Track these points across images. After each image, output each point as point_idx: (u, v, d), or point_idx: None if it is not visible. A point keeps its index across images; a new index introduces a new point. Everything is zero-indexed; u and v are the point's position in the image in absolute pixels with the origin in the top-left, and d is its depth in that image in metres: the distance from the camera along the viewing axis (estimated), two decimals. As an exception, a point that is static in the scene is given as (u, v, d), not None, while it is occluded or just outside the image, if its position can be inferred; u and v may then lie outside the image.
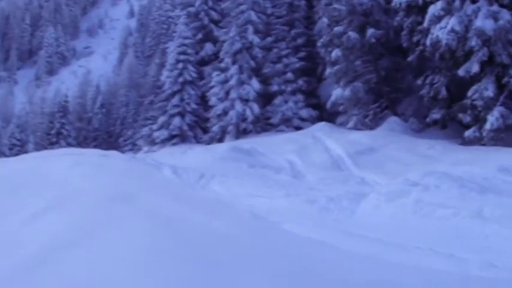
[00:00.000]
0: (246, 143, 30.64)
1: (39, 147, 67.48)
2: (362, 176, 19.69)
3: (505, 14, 22.47)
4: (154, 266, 4.87)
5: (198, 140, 45.30)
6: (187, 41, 47.34)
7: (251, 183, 18.40)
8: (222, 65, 42.85)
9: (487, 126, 22.61)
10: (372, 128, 29.63)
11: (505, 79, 23.01)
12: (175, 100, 46.31)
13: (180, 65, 46.61)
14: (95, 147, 62.43)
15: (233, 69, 41.55)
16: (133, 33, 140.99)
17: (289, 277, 5.03)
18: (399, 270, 6.69)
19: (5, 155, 61.27)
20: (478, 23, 22.49)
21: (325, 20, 34.03)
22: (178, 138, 45.53)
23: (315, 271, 5.43)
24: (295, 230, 9.84)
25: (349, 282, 5.34)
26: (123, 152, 48.71)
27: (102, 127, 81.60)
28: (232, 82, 41.17)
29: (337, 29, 31.52)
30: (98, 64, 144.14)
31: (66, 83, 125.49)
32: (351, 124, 31.27)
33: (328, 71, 33.85)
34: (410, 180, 14.22)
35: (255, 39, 41.88)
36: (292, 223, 11.08)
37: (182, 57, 46.89)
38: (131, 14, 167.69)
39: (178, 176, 20.26)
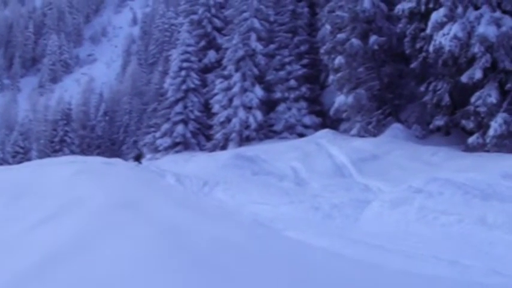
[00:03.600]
0: (249, 150, 30.64)
1: (43, 154, 67.58)
2: (365, 183, 19.69)
3: (507, 20, 22.47)
4: (158, 274, 4.86)
5: (201, 148, 45.30)
6: (190, 49, 47.39)
7: (254, 190, 18.41)
8: (225, 72, 42.92)
9: (491, 132, 22.59)
10: (375, 134, 29.62)
11: (508, 85, 23.01)
12: (178, 107, 46.32)
13: (183, 73, 46.66)
14: (98, 154, 62.56)
15: (236, 76, 41.60)
16: (136, 40, 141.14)
17: (292, 284, 5.02)
18: (402, 277, 6.66)
19: (8, 163, 61.27)
20: (481, 29, 22.49)
21: (328, 27, 34.10)
22: (182, 145, 45.52)
23: (318, 279, 5.41)
24: (298, 237, 9.83)
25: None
26: (126, 159, 48.75)
27: (105, 135, 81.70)
28: (236, 89, 41.22)
29: (340, 36, 31.57)
30: (101, 72, 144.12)
31: (70, 90, 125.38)
32: (354, 131, 31.26)
33: (331, 78, 33.91)
34: (413, 187, 14.20)
35: (258, 47, 41.94)
36: (296, 230, 11.08)
37: (185, 64, 46.93)
38: (134, 21, 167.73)
39: (181, 183, 20.30)
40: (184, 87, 46.44)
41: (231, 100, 41.70)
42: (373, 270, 6.81)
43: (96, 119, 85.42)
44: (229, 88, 42.01)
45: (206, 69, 48.20)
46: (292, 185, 20.59)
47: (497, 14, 22.69)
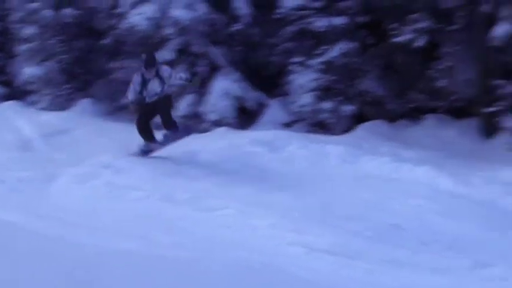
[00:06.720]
0: None
1: None
2: (53, 158, 19.42)
3: (200, 6, 23.37)
4: None
5: None
6: None
7: None
8: None
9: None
10: (63, 109, 29.20)
11: (197, 67, 23.99)
12: None
13: None
14: None
15: None
16: None
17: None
18: (88, 252, 6.70)
19: None
20: (175, 12, 23.15)
21: (19, -5, 32.99)
22: None
23: (17, 255, 5.31)
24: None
25: (35, 262, 5.29)
26: None
27: None
28: None
29: (32, 5, 30.70)
30: None
31: None
32: (42, 104, 30.60)
33: (20, 47, 32.84)
34: (101, 163, 14.38)
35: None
36: (-20, 203, 10.69)
37: None
38: None
39: None
40: None
41: None
42: (58, 244, 6.80)
43: None
44: None
45: None
46: (-27, 157, 19.80)
47: (191, -2, 23.52)
